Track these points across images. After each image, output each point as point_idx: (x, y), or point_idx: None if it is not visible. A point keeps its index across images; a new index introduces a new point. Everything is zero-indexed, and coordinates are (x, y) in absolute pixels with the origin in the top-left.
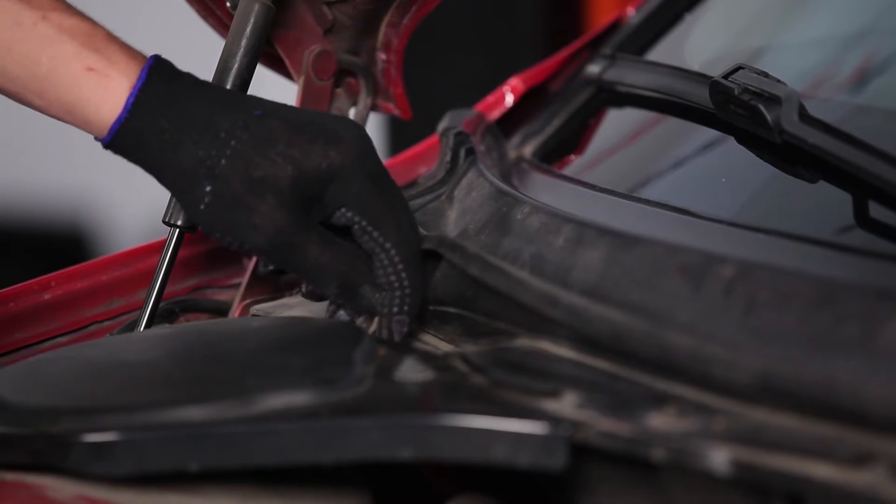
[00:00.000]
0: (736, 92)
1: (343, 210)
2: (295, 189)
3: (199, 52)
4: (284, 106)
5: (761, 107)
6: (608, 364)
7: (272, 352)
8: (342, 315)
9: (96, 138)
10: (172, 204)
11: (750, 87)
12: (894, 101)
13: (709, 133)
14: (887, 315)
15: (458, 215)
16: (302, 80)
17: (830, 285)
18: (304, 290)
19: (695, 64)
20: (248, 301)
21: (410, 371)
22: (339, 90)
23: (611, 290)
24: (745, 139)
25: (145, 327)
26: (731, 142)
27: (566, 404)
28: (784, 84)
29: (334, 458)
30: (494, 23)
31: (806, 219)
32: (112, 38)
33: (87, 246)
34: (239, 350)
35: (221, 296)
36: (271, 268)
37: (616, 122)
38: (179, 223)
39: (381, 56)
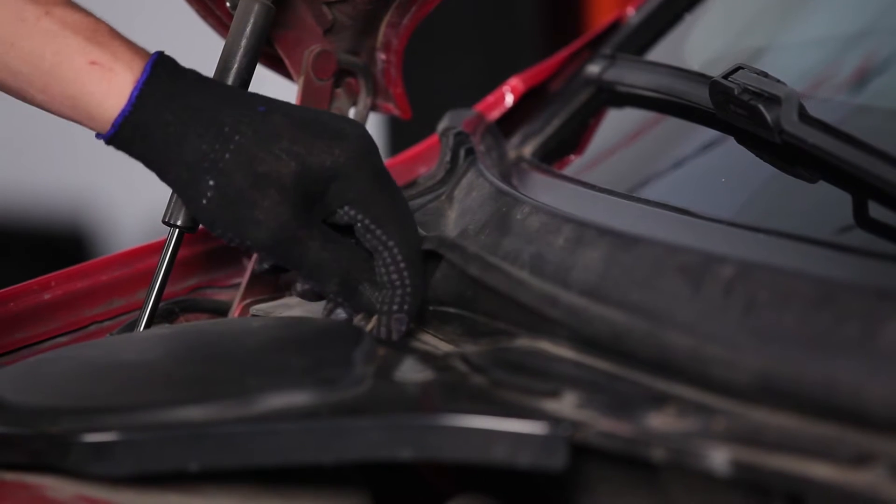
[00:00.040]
0: (736, 92)
1: (346, 208)
2: (298, 185)
3: (198, 52)
4: (288, 103)
5: (761, 107)
6: (608, 364)
7: (272, 352)
8: (340, 313)
9: (98, 135)
10: (172, 204)
11: (750, 87)
12: (894, 101)
13: (709, 133)
14: (887, 315)
15: (457, 215)
16: (302, 80)
17: (830, 285)
18: (298, 289)
19: (695, 64)
20: (247, 301)
21: (410, 371)
22: (338, 90)
23: (611, 291)
24: (745, 139)
25: (145, 327)
26: (731, 142)
27: (566, 404)
28: (784, 84)
29: (334, 458)
30: (494, 23)
31: (806, 219)
32: (115, 34)
33: (87, 246)
34: (239, 350)
35: (221, 296)
36: (267, 266)
37: (616, 122)
38: (179, 223)
39: (381, 56)
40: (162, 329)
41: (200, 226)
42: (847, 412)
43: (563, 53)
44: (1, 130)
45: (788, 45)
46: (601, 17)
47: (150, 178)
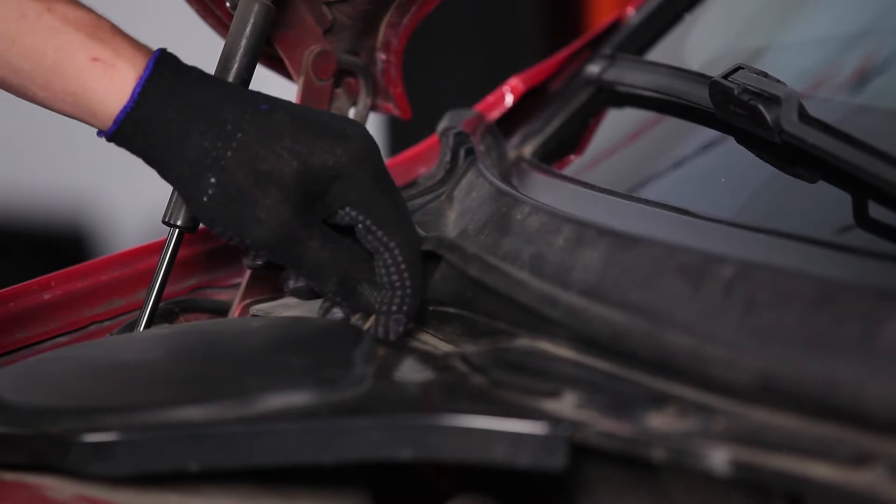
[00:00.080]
0: (736, 92)
1: (348, 209)
2: (300, 185)
3: (198, 52)
4: (290, 102)
5: (761, 107)
6: (608, 364)
7: (272, 352)
8: (336, 313)
9: (99, 132)
10: (172, 204)
11: (749, 87)
12: (894, 101)
13: (708, 133)
14: (887, 315)
15: (457, 215)
16: (302, 80)
17: (830, 285)
18: (289, 287)
19: (695, 64)
20: (247, 301)
21: (410, 371)
22: (338, 90)
23: (610, 291)
24: (745, 139)
25: (145, 327)
26: (731, 142)
27: (566, 404)
28: (784, 84)
29: (334, 458)
30: (494, 23)
31: (805, 219)
32: (117, 31)
33: (87, 246)
34: (239, 350)
35: (221, 296)
36: (259, 262)
37: (616, 122)
38: (179, 223)
39: (381, 56)
40: (162, 329)
41: (201, 226)
42: (847, 412)
43: (563, 53)
44: (1, 130)
45: (788, 45)
46: (601, 17)
47: (150, 178)
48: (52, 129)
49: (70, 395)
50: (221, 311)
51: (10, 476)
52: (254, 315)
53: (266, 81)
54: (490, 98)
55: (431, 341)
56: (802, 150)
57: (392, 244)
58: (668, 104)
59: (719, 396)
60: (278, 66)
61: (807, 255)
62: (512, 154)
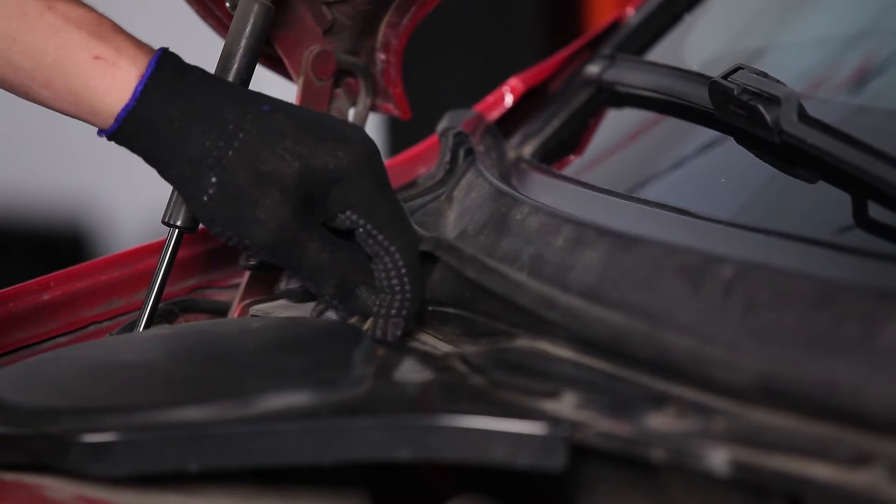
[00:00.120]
0: (735, 92)
1: (348, 213)
2: (300, 186)
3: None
4: (291, 104)
5: (760, 107)
6: (608, 365)
7: (272, 352)
8: (330, 315)
9: (100, 131)
10: (172, 204)
11: (749, 88)
12: (894, 101)
13: (708, 133)
14: (887, 315)
15: (457, 216)
16: (301, 80)
17: (830, 285)
18: (281, 288)
19: (694, 64)
20: (247, 301)
21: (410, 371)
22: (338, 90)
23: (610, 291)
24: (745, 139)
25: (144, 328)
26: (731, 142)
27: (565, 405)
28: (783, 84)
29: (334, 458)
30: (494, 23)
31: (805, 219)
32: (119, 29)
33: (86, 246)
34: (238, 350)
35: (221, 296)
36: (253, 262)
37: (616, 122)
38: (179, 223)
39: (381, 56)
40: (161, 329)
41: (200, 226)
42: (846, 412)
43: (563, 53)
44: (0, 130)
45: (788, 45)
46: (601, 17)
47: (150, 178)
48: (51, 129)
49: (69, 396)
50: (221, 311)
51: (9, 476)
52: (253, 315)
53: (266, 81)
54: (490, 98)
55: (431, 341)
56: (802, 151)
57: (392, 248)
58: (667, 104)
59: (719, 397)
60: (278, 67)
61: (806, 255)
62: (511, 154)
